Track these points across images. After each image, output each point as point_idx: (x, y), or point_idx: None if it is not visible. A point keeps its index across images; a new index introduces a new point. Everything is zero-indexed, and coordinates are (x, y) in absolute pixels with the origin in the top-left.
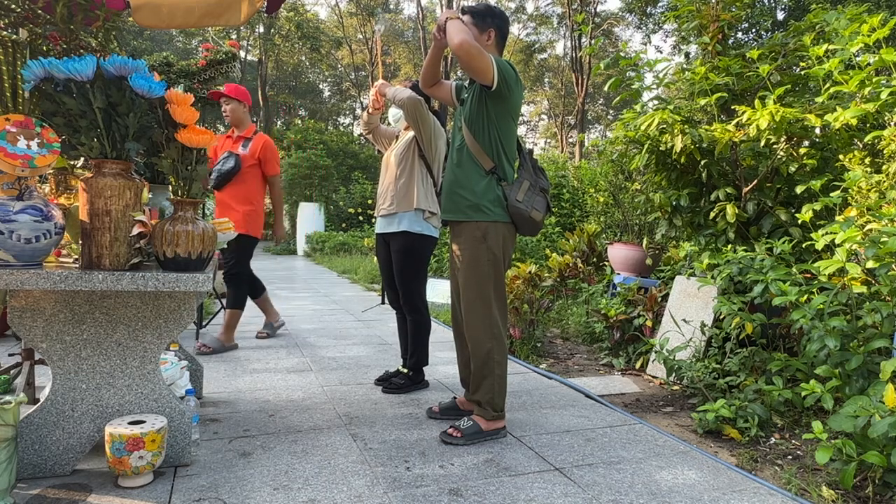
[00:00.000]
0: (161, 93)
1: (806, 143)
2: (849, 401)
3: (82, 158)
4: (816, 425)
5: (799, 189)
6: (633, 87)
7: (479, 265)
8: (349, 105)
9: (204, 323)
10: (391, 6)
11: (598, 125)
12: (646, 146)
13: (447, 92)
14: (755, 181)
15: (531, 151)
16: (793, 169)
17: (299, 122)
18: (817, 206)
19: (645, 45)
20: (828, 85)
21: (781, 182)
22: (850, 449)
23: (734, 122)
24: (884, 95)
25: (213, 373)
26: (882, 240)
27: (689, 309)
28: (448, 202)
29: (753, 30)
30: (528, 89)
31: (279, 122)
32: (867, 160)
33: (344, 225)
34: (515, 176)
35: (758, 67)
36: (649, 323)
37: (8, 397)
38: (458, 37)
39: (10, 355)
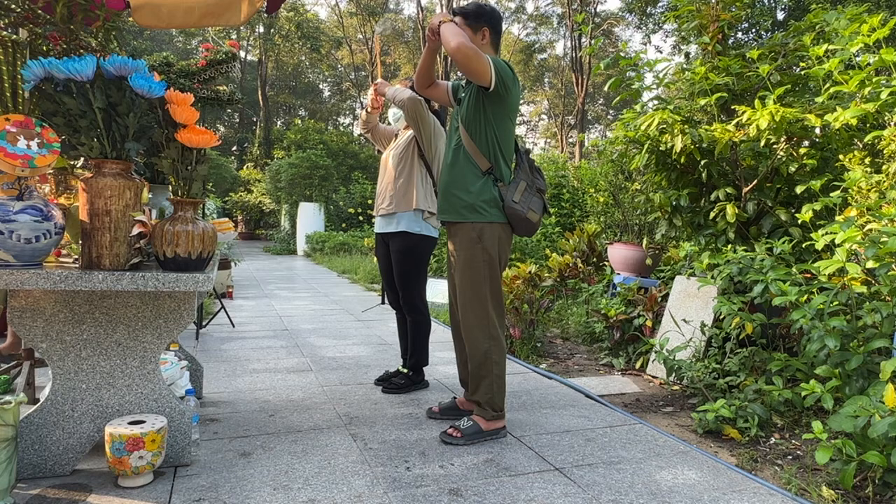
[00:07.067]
0: (161, 93)
1: (806, 143)
2: (849, 401)
3: (82, 158)
4: (816, 425)
5: (799, 189)
6: (633, 87)
7: (475, 266)
8: (349, 105)
9: (204, 323)
10: (391, 6)
11: (598, 125)
12: (646, 146)
13: (443, 92)
14: (755, 181)
15: (528, 151)
16: (793, 169)
17: (299, 122)
18: (817, 206)
19: (645, 45)
20: (828, 85)
21: (781, 182)
22: (850, 449)
23: (734, 122)
24: (884, 95)
25: (213, 373)
26: (882, 240)
27: (689, 309)
28: (444, 202)
29: (753, 30)
30: (527, 89)
31: (279, 122)
32: (867, 160)
33: (344, 225)
34: (512, 176)
35: (758, 67)
36: (649, 323)
37: (8, 397)
38: (454, 40)
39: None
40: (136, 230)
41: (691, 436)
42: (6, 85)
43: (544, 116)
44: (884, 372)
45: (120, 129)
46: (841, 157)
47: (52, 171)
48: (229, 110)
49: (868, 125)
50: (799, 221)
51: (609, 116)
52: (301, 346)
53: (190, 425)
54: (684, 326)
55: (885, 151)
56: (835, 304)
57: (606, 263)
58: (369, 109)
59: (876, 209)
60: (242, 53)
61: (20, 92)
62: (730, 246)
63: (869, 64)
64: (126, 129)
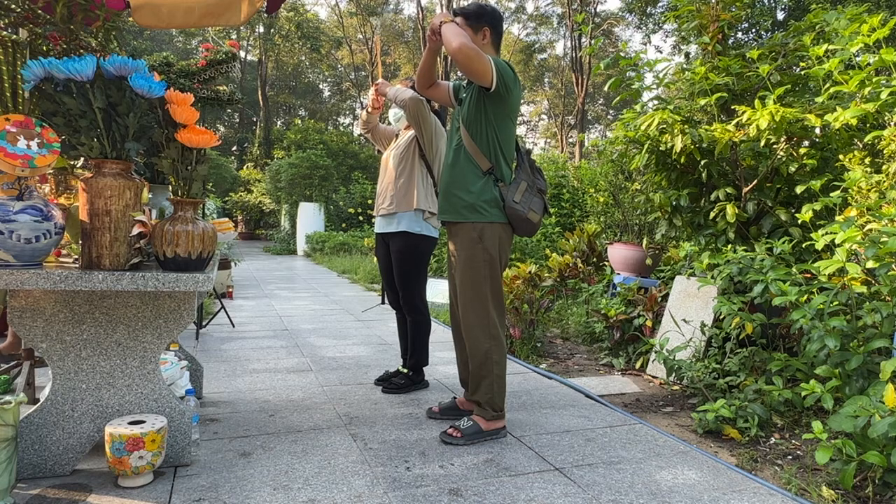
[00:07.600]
0: (161, 93)
1: (806, 143)
2: (849, 401)
3: (82, 158)
4: (816, 425)
5: (799, 189)
6: (633, 87)
7: (475, 266)
8: (349, 105)
9: (204, 323)
10: (391, 6)
11: (598, 125)
12: (646, 146)
13: (444, 92)
14: (755, 181)
15: (529, 152)
16: (793, 169)
17: (299, 122)
18: (817, 206)
19: (645, 45)
20: (828, 85)
21: (781, 182)
22: (850, 449)
23: (734, 122)
24: (884, 95)
25: (213, 373)
26: (882, 240)
27: (689, 309)
28: (444, 203)
29: (753, 30)
30: (527, 89)
31: (279, 122)
32: (867, 160)
33: (344, 225)
34: (513, 177)
35: (758, 67)
36: (649, 323)
37: (8, 397)
38: (455, 41)
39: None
40: (136, 230)
41: (691, 436)
42: (6, 85)
43: (544, 116)
44: (884, 372)
45: (120, 129)
46: (841, 157)
47: (52, 171)
48: (229, 110)
49: (868, 125)
50: (799, 221)
51: (609, 116)
52: (301, 346)
53: (190, 425)
54: (684, 326)
55: (885, 151)
56: (835, 304)
57: (606, 263)
58: (370, 109)
59: (876, 209)
60: (242, 53)
61: (20, 92)
62: (730, 246)
63: (869, 64)
64: (126, 129)
